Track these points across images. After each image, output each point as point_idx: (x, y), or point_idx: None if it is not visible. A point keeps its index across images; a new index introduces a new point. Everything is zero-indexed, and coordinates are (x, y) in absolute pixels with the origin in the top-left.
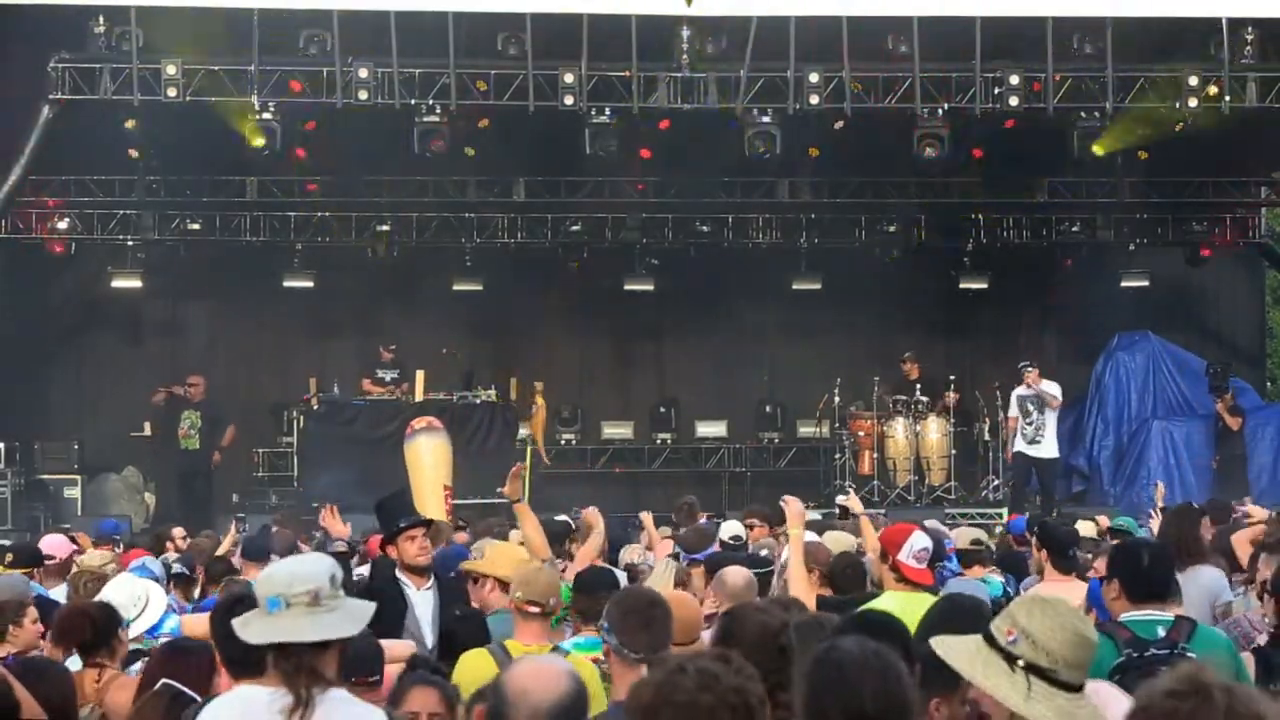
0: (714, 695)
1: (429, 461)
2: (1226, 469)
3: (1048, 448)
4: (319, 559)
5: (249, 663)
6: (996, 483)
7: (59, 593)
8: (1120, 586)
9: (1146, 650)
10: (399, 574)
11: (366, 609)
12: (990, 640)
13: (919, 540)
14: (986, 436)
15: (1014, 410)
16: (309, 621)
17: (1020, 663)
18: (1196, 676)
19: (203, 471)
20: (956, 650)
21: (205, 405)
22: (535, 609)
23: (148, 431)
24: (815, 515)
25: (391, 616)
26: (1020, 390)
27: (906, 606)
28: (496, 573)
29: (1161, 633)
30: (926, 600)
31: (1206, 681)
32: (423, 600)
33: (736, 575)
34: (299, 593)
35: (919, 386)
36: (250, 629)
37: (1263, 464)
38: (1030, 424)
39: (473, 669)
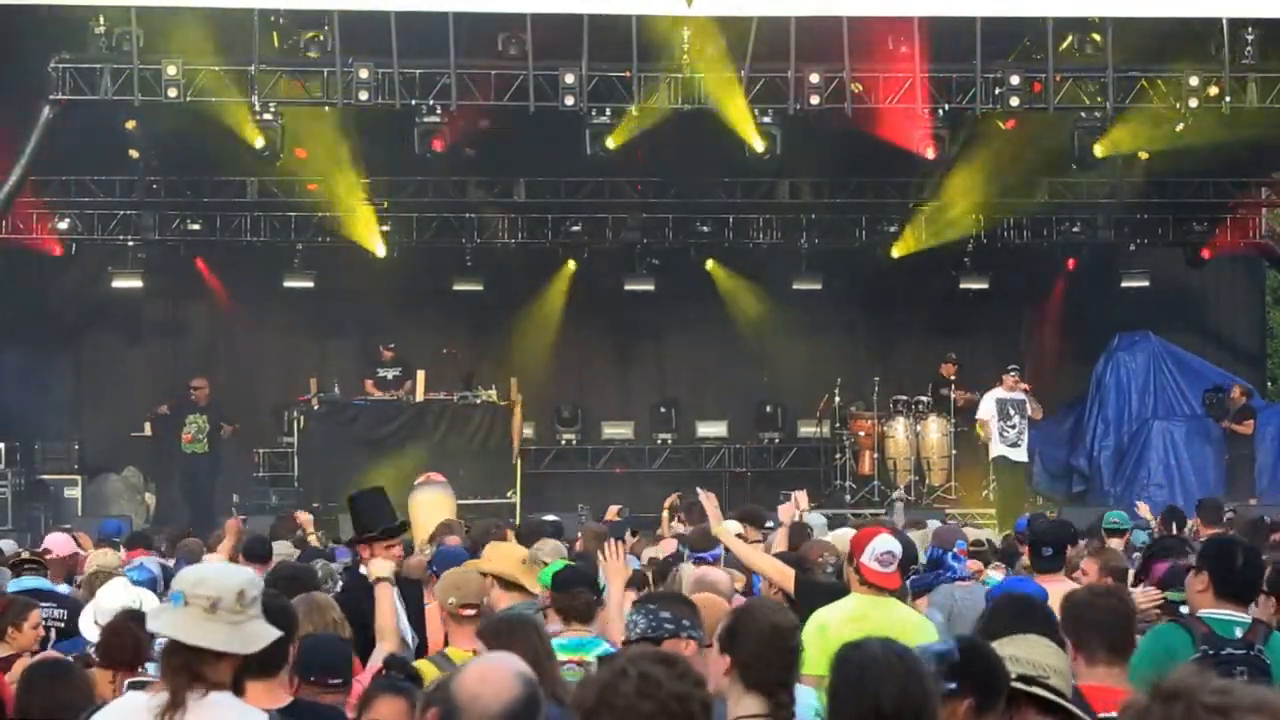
0: (654, 702)
1: (429, 516)
2: (1234, 469)
3: (1024, 452)
4: (239, 572)
5: (259, 662)
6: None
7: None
8: (1210, 579)
9: (1223, 649)
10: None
11: (266, 633)
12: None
13: (882, 543)
14: None
15: (986, 411)
16: (198, 625)
17: (1012, 676)
18: (1158, 685)
19: (205, 474)
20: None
21: (210, 408)
22: (471, 611)
23: (148, 432)
24: (820, 517)
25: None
26: (1000, 393)
27: (870, 611)
28: (497, 570)
29: (1238, 633)
30: (890, 604)
31: (1175, 688)
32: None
33: (721, 576)
34: (199, 595)
35: (953, 383)
36: (154, 619)
37: (1263, 464)
38: (1013, 427)
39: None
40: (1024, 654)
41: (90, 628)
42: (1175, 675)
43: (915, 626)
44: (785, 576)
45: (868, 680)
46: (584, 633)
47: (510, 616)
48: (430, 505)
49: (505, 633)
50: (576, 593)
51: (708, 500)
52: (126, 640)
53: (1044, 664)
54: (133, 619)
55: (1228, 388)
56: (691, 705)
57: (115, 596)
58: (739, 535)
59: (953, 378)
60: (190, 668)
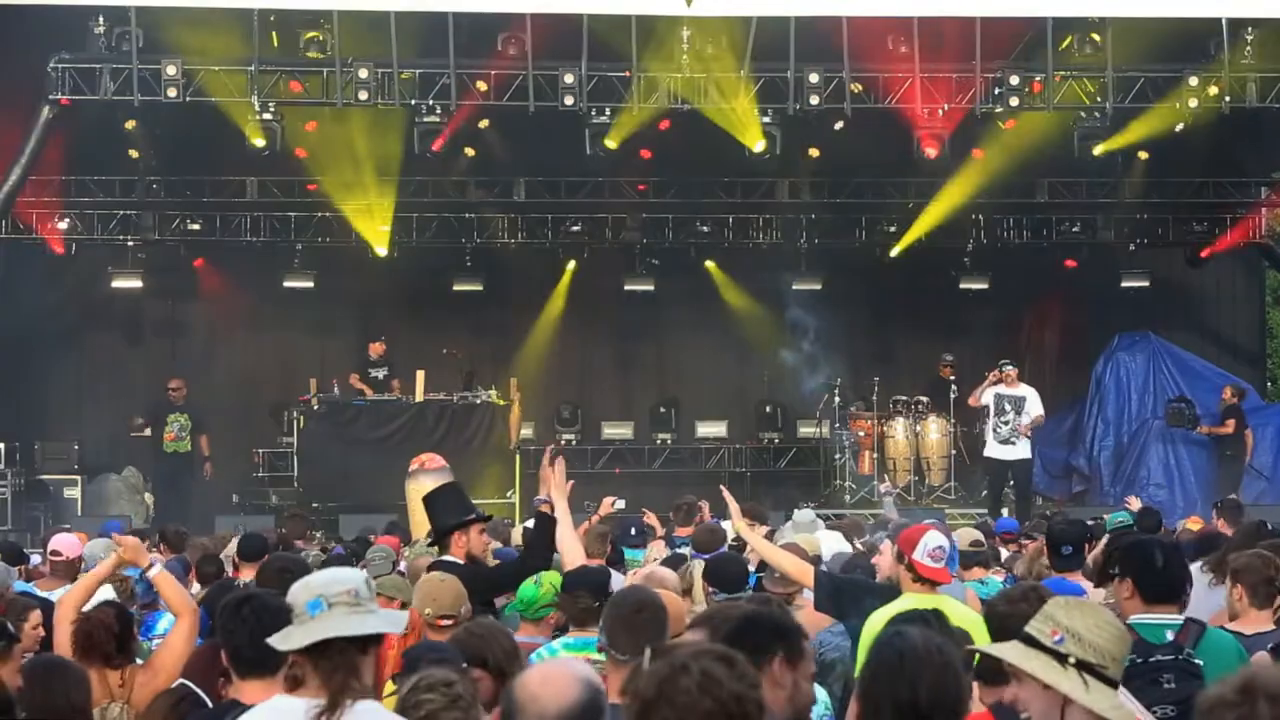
0: (714, 700)
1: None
2: (1222, 470)
3: (1022, 449)
4: (352, 570)
5: (256, 661)
6: None
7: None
8: (1133, 586)
9: (1151, 655)
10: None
11: (400, 617)
12: (1031, 641)
13: (933, 539)
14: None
15: (986, 399)
16: (353, 619)
17: (1071, 660)
18: (1248, 682)
19: (186, 473)
20: (1007, 653)
21: (189, 407)
22: (449, 622)
23: (148, 432)
24: (810, 513)
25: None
26: (1000, 389)
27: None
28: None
29: (1169, 636)
30: (944, 601)
31: (1254, 687)
32: None
33: (669, 573)
34: (340, 592)
35: (953, 387)
36: (293, 636)
37: (1262, 464)
38: (1005, 423)
39: None
40: (1088, 636)
41: None
42: (1254, 673)
43: (970, 624)
44: (804, 573)
45: (906, 669)
46: (589, 633)
47: (479, 625)
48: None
49: (475, 641)
50: (577, 595)
51: (729, 498)
52: (102, 632)
53: (1108, 651)
54: (112, 609)
55: (1192, 397)
56: (748, 706)
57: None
58: (736, 539)
59: (952, 378)
60: (351, 665)
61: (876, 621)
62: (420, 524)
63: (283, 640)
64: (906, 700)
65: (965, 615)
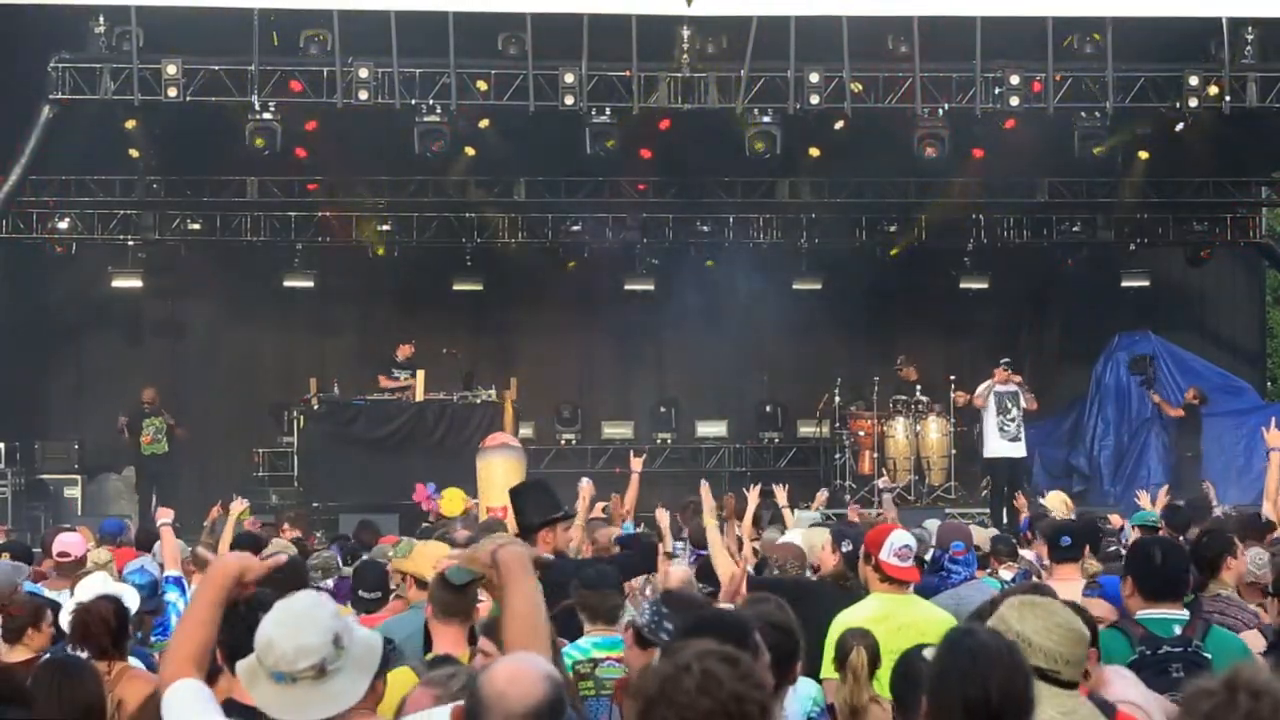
0: (713, 700)
1: (504, 481)
2: (1180, 468)
3: (1023, 446)
4: (321, 622)
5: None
6: None
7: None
8: (1134, 584)
9: (1160, 648)
10: None
11: (373, 652)
12: None
13: (899, 538)
14: None
15: (986, 399)
16: (315, 695)
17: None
18: (1232, 676)
19: (167, 474)
20: None
21: (164, 411)
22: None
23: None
24: (814, 514)
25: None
26: (998, 386)
27: (895, 610)
28: (417, 571)
29: (1177, 630)
30: (913, 601)
31: (1237, 682)
32: None
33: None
34: (303, 668)
35: (918, 388)
36: (259, 690)
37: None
38: (1012, 420)
39: (400, 687)
40: (1038, 640)
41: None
42: (1254, 671)
43: (940, 624)
44: (734, 584)
45: (979, 667)
46: (614, 632)
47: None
48: (502, 470)
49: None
50: (606, 594)
51: (705, 493)
52: (98, 625)
53: (1059, 654)
54: (111, 604)
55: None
56: (749, 706)
57: (94, 589)
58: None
59: (915, 379)
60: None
61: (844, 621)
62: (487, 498)
63: (249, 679)
64: (978, 699)
65: (934, 616)
